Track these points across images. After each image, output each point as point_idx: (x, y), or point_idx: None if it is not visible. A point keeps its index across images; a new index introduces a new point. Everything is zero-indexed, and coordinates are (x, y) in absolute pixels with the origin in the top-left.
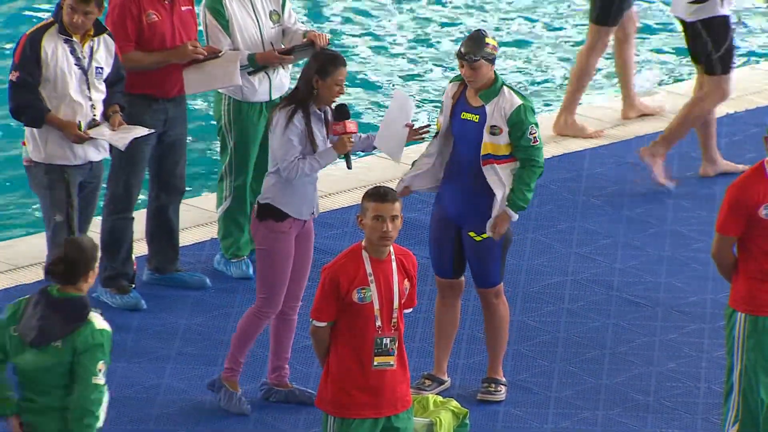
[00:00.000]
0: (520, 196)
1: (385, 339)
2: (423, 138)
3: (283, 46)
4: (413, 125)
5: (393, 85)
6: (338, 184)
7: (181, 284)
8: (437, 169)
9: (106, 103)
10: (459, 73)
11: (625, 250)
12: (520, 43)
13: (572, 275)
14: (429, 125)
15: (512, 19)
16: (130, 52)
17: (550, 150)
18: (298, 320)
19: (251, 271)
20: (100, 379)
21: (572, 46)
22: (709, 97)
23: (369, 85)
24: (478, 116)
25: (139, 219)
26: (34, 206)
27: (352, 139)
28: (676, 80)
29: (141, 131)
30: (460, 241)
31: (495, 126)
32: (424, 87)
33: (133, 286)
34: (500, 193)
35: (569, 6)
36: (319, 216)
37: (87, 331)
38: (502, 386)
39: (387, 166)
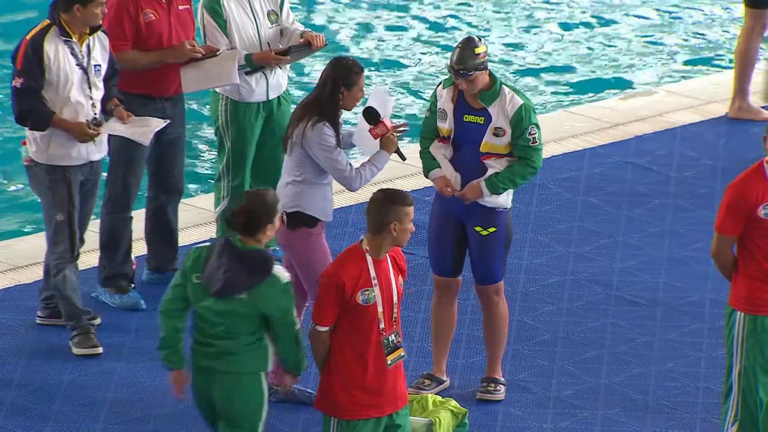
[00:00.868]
0: (501, 181)
1: (390, 337)
2: (400, 135)
3: (280, 47)
4: (392, 124)
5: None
6: (336, 185)
7: None
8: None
9: (104, 98)
10: (445, 78)
11: (625, 250)
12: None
13: (571, 275)
14: (406, 124)
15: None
16: (128, 52)
17: (550, 150)
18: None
19: None
20: (297, 325)
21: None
22: (752, 30)
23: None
24: (483, 118)
25: (138, 218)
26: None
27: (396, 132)
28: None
29: (158, 123)
30: (460, 239)
31: (499, 128)
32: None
33: (133, 285)
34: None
35: None
36: None
37: (274, 288)
38: (501, 386)
39: (391, 166)
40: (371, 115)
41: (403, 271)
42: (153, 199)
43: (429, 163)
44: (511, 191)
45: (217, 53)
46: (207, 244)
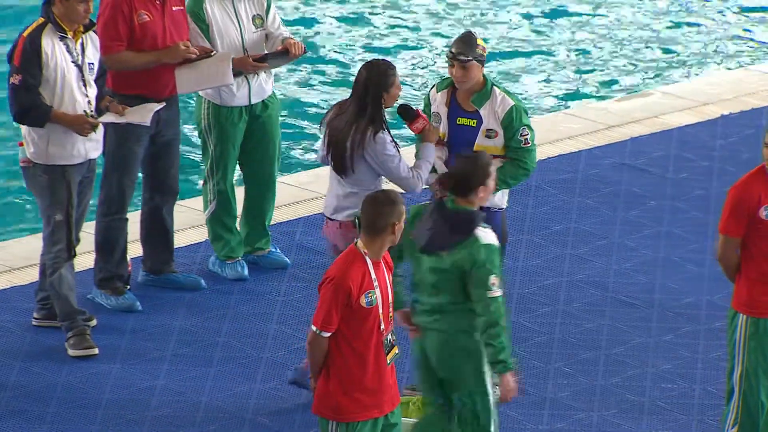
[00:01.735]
0: (502, 179)
1: (389, 336)
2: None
3: (265, 52)
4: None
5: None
6: None
7: (175, 285)
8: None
9: (97, 97)
10: (438, 81)
11: (620, 252)
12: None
13: (567, 276)
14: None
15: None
16: (122, 52)
17: (545, 151)
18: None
19: (246, 272)
20: (496, 292)
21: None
22: None
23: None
24: (475, 121)
25: (134, 220)
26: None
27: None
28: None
29: (155, 105)
30: None
31: (491, 130)
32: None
33: (128, 287)
34: None
35: None
36: (314, 217)
37: (473, 247)
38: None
39: None
40: (406, 112)
41: (390, 267)
42: (148, 200)
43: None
44: (506, 191)
45: (212, 54)
46: (426, 203)
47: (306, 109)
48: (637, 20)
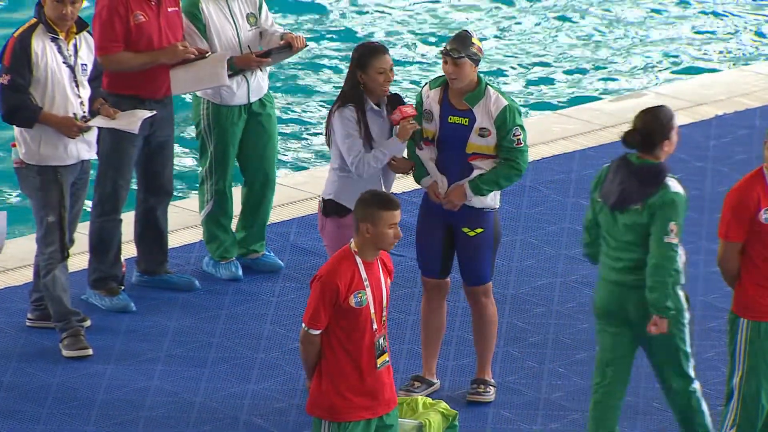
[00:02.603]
0: (484, 183)
1: (380, 339)
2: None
3: (261, 49)
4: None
5: None
6: None
7: (170, 286)
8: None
9: (90, 99)
10: (432, 79)
11: None
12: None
13: (561, 277)
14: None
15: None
16: (119, 53)
17: (539, 152)
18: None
19: (240, 272)
20: (672, 239)
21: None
22: None
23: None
24: (467, 119)
25: (128, 221)
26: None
27: (413, 122)
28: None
29: (145, 113)
30: (447, 241)
31: (484, 128)
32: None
33: (122, 288)
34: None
35: None
36: (308, 217)
37: (664, 195)
38: (491, 387)
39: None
40: (393, 101)
41: (390, 272)
42: (142, 201)
43: (418, 170)
44: (497, 192)
45: (207, 55)
46: (607, 164)
47: (301, 109)
48: (631, 20)
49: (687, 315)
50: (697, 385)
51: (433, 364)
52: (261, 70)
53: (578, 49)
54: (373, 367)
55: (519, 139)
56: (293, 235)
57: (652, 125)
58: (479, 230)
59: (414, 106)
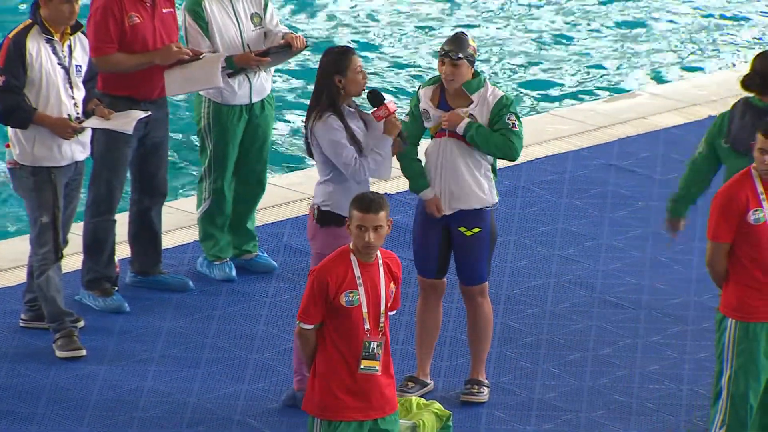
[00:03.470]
0: (479, 132)
1: (372, 343)
2: None
3: (263, 48)
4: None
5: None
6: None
7: (163, 287)
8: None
9: (85, 100)
10: (427, 79)
11: (608, 252)
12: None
13: (555, 277)
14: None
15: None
16: (114, 54)
17: (533, 152)
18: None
19: (234, 273)
20: None
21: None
22: None
23: None
24: (473, 117)
25: (122, 221)
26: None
27: (398, 117)
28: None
29: (139, 114)
30: (444, 241)
31: (473, 115)
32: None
33: (116, 288)
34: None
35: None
36: (302, 218)
37: None
38: (484, 387)
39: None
40: (374, 98)
41: (395, 278)
42: (136, 202)
43: (417, 181)
44: (493, 187)
45: (201, 57)
46: (727, 110)
47: (295, 109)
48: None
49: None
50: None
51: (427, 365)
52: (264, 71)
53: (573, 50)
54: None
55: (514, 123)
56: (287, 236)
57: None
58: (476, 230)
59: (394, 101)
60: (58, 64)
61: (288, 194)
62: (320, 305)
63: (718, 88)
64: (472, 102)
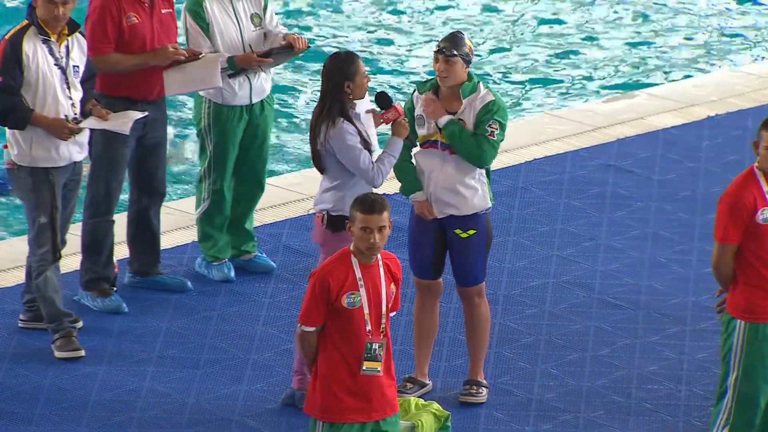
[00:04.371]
0: (459, 131)
1: (375, 344)
2: None
3: (264, 49)
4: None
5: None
6: None
7: (162, 287)
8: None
9: (83, 101)
10: (419, 83)
11: (607, 253)
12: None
13: (554, 278)
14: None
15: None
16: (111, 54)
17: (531, 152)
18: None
19: (232, 274)
20: None
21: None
22: None
23: None
24: (462, 121)
25: (120, 222)
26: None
27: (406, 118)
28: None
29: (136, 114)
30: (440, 242)
31: (461, 120)
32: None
33: (115, 289)
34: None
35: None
36: (300, 218)
37: None
38: (483, 388)
39: None
40: (383, 100)
41: (395, 279)
42: (135, 202)
43: (409, 184)
44: (487, 192)
45: (200, 57)
46: None
47: (293, 110)
48: (623, 21)
49: None
50: None
51: (425, 365)
52: (264, 71)
53: (571, 50)
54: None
55: (493, 132)
56: (285, 236)
57: None
58: (471, 232)
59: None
60: (55, 64)
61: (287, 195)
62: (322, 307)
63: (716, 89)
64: (462, 105)
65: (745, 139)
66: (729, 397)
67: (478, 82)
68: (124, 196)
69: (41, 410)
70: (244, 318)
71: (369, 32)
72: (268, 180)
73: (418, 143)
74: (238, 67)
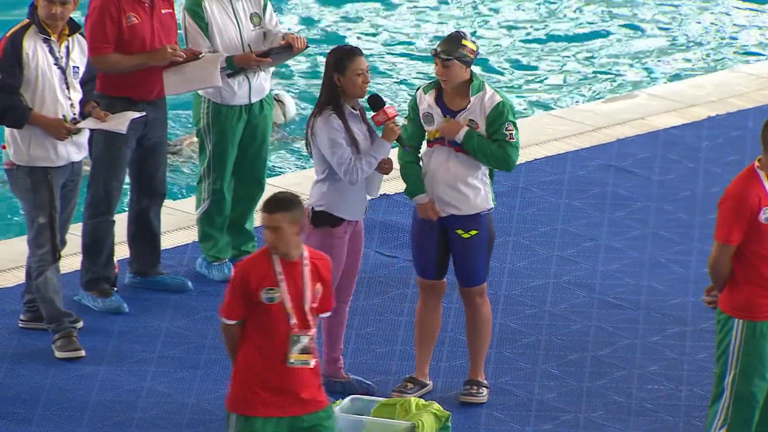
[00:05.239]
0: (478, 143)
1: (303, 337)
2: None
3: (263, 48)
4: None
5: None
6: None
7: (162, 287)
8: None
9: (83, 102)
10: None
11: (607, 253)
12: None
13: (554, 278)
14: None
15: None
16: (110, 54)
17: (532, 153)
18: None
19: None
20: None
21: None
22: None
23: None
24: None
25: (121, 222)
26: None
27: (397, 122)
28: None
29: (133, 114)
30: (442, 242)
31: (473, 120)
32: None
33: (115, 289)
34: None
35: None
36: None
37: None
38: (484, 388)
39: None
40: (375, 102)
41: (323, 279)
42: (135, 202)
43: (413, 186)
44: (489, 192)
45: (199, 57)
46: None
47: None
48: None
49: None
50: None
51: (426, 366)
52: (263, 71)
53: (571, 51)
54: (282, 363)
55: (511, 134)
56: None
57: None
58: (473, 232)
59: (395, 106)
60: (55, 64)
61: None
62: (240, 301)
63: (716, 89)
64: (470, 103)
65: (745, 139)
66: (726, 397)
67: (482, 82)
68: (125, 197)
69: (41, 410)
70: None
71: (369, 34)
72: (268, 180)
73: (426, 141)
74: (237, 66)
